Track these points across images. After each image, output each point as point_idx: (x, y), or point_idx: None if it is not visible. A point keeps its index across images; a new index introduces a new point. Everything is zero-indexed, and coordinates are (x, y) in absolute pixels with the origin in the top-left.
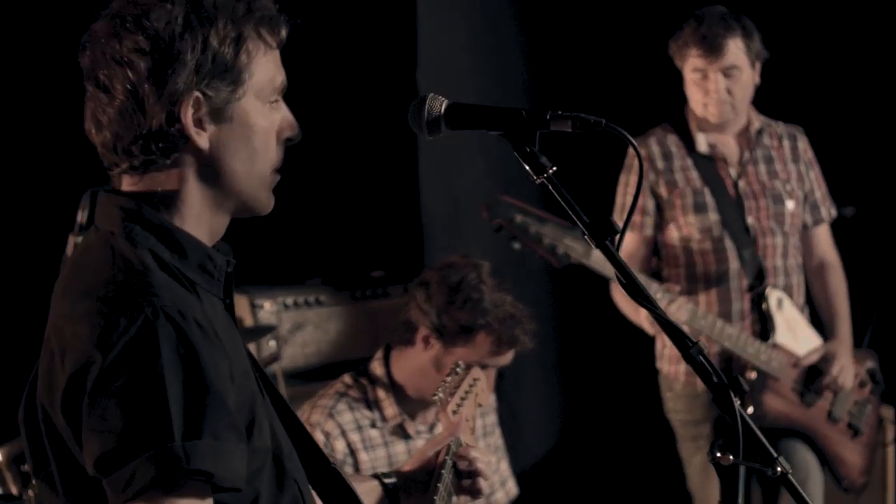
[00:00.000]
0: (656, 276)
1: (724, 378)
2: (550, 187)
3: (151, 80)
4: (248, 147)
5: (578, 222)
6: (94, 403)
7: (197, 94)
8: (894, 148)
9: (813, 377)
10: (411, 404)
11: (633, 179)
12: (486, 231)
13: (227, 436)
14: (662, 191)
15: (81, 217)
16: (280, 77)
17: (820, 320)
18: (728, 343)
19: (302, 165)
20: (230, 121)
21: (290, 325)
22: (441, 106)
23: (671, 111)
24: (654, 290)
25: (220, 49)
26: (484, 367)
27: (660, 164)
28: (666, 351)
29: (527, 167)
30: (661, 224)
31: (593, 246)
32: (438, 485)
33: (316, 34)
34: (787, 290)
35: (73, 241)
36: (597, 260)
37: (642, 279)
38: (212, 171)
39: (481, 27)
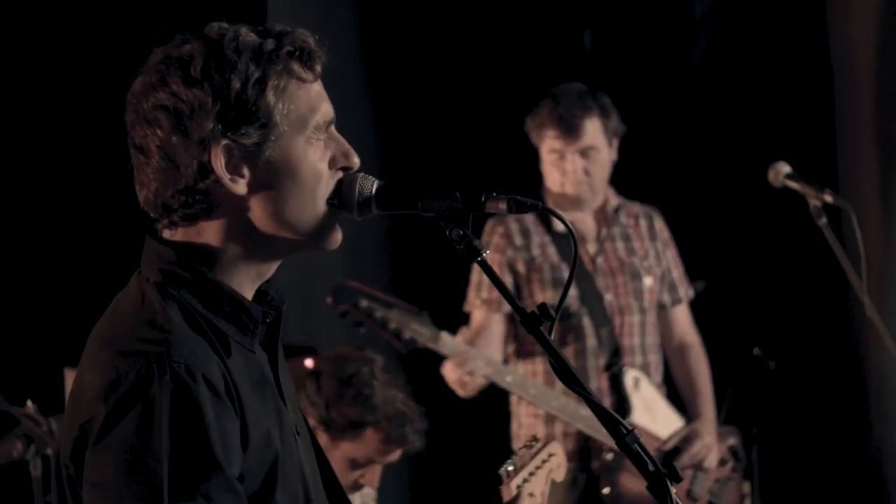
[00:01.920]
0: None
1: (660, 467)
2: (483, 271)
3: (177, 135)
4: (294, 187)
5: (512, 307)
6: (93, 456)
7: (225, 141)
8: (741, 221)
9: (674, 457)
10: None
11: (493, 257)
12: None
13: (222, 498)
14: (520, 267)
15: None
16: (322, 110)
17: (678, 398)
18: (581, 424)
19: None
20: (269, 163)
21: None
22: (372, 186)
23: (528, 187)
24: (504, 373)
25: (243, 92)
26: (370, 463)
27: (518, 240)
28: (522, 432)
29: (459, 251)
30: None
31: (526, 331)
32: None
33: None
34: (645, 368)
35: None
36: (444, 345)
37: (489, 361)
38: (257, 215)
39: (331, 96)
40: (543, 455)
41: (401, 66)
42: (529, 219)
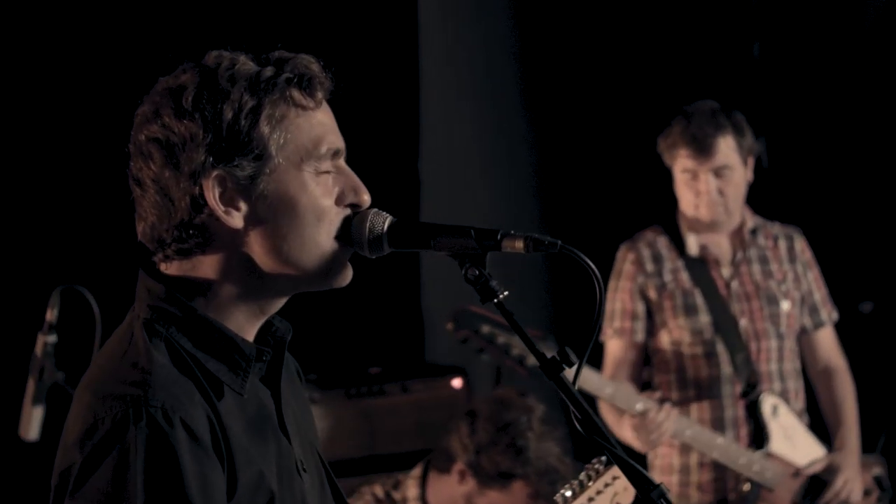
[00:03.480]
0: (647, 384)
1: None
2: (501, 313)
3: (169, 168)
4: (292, 222)
5: (531, 352)
6: None
7: (218, 172)
8: None
9: (816, 487)
10: None
11: (624, 284)
12: None
13: None
14: (652, 294)
15: (51, 315)
16: (327, 139)
17: (824, 426)
18: (717, 454)
19: None
20: (266, 196)
21: None
22: (384, 223)
23: (665, 210)
24: (638, 398)
25: (235, 122)
26: None
27: (649, 266)
28: (657, 461)
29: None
30: (651, 329)
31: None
32: None
33: None
34: (784, 395)
35: (42, 340)
36: (568, 371)
37: (628, 392)
38: (255, 251)
39: (487, 117)
40: (607, 478)
41: (558, 79)
42: (662, 242)
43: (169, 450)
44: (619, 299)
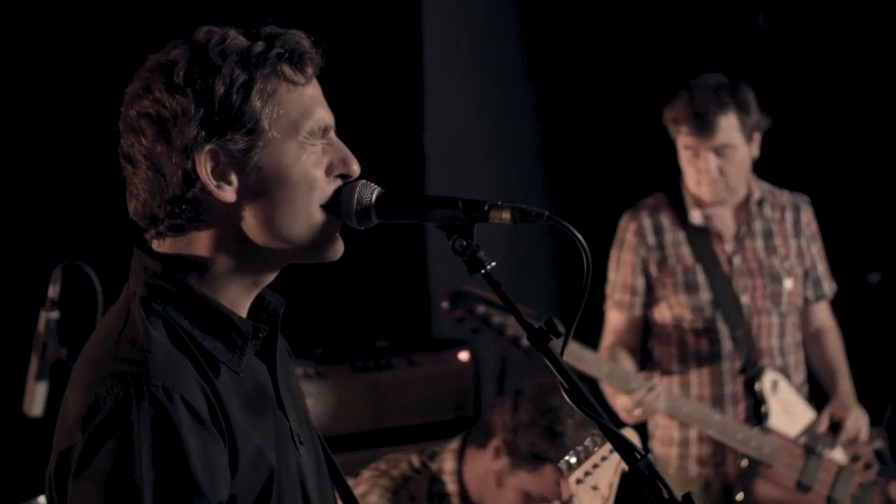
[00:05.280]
0: (647, 353)
1: (674, 496)
2: (489, 284)
3: (161, 143)
4: (285, 194)
5: (518, 322)
6: (75, 486)
7: (210, 146)
8: None
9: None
10: None
11: (626, 257)
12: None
13: None
14: (653, 269)
15: (53, 292)
16: (317, 114)
17: (824, 396)
18: (714, 431)
19: None
20: (258, 169)
21: None
22: (372, 194)
23: (670, 180)
24: (633, 378)
25: (227, 97)
26: (542, 501)
27: (650, 239)
28: (658, 432)
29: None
30: (650, 302)
31: (534, 349)
32: None
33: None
34: (784, 370)
35: (44, 316)
36: (565, 351)
37: (623, 373)
38: (249, 224)
39: (491, 88)
40: (610, 446)
41: (562, 50)
42: (665, 212)
43: (172, 428)
44: (622, 272)
